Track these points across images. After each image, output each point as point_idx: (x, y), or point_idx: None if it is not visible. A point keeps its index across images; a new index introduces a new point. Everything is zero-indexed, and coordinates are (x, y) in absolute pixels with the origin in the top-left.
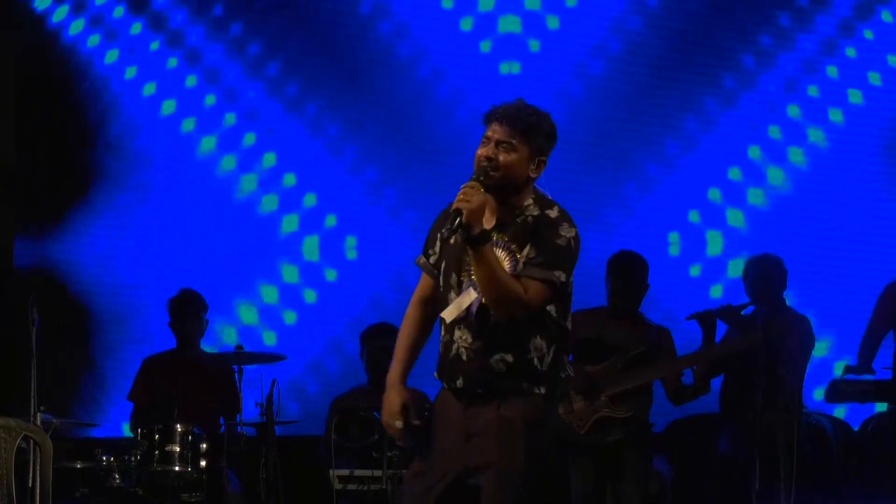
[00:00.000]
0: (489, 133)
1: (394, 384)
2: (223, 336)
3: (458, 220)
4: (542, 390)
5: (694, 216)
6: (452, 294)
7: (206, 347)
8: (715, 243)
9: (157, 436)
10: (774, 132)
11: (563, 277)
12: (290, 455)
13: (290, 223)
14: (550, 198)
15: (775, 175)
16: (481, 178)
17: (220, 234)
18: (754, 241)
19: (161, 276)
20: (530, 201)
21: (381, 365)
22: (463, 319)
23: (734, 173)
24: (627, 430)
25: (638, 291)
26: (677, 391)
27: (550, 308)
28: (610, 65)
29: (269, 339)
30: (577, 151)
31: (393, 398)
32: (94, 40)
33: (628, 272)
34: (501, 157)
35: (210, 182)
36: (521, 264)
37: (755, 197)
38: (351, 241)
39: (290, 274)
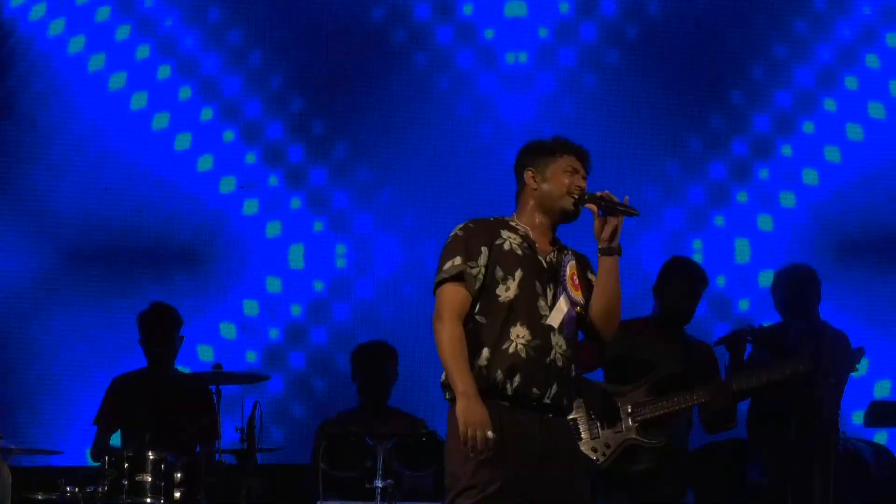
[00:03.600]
0: (577, 165)
1: (475, 394)
2: (199, 354)
3: (614, 211)
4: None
5: (719, 221)
6: (541, 302)
7: (181, 366)
8: (743, 251)
9: (126, 464)
10: (808, 128)
11: None
12: (273, 485)
13: (273, 229)
14: None
15: (809, 176)
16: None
17: (196, 241)
18: (786, 248)
19: (131, 288)
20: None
21: (375, 388)
22: (562, 328)
23: (763, 174)
24: (659, 460)
25: (696, 304)
26: (711, 419)
27: None
28: (626, 54)
29: (251, 356)
30: (591, 150)
31: (480, 408)
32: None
33: (696, 280)
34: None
35: (186, 183)
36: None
37: (787, 200)
38: (340, 249)
39: (273, 285)
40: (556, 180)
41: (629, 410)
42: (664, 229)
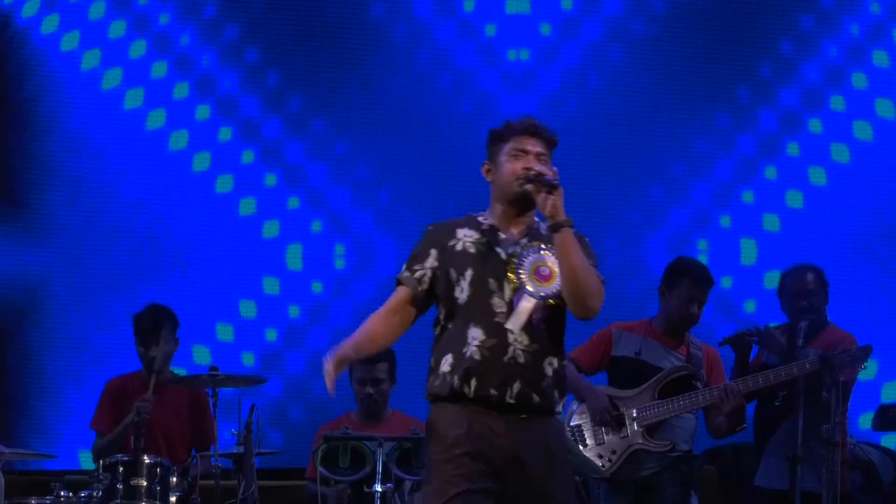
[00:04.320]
0: (528, 147)
1: (340, 347)
2: (195, 356)
3: (551, 185)
4: (560, 408)
5: (725, 221)
6: (496, 299)
7: (177, 369)
8: (749, 251)
9: (121, 468)
10: (815, 126)
11: None
12: (271, 490)
13: (271, 229)
14: None
15: (816, 175)
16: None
17: (192, 241)
18: (792, 249)
19: (126, 289)
20: (535, 219)
21: (373, 391)
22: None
23: (770, 173)
24: (664, 462)
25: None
26: (720, 422)
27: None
28: (631, 51)
29: (248, 359)
30: (595, 149)
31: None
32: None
33: (704, 282)
34: (544, 169)
35: (181, 182)
36: None
37: (794, 200)
38: (339, 249)
39: (270, 286)
40: (504, 168)
41: (634, 415)
42: (669, 229)
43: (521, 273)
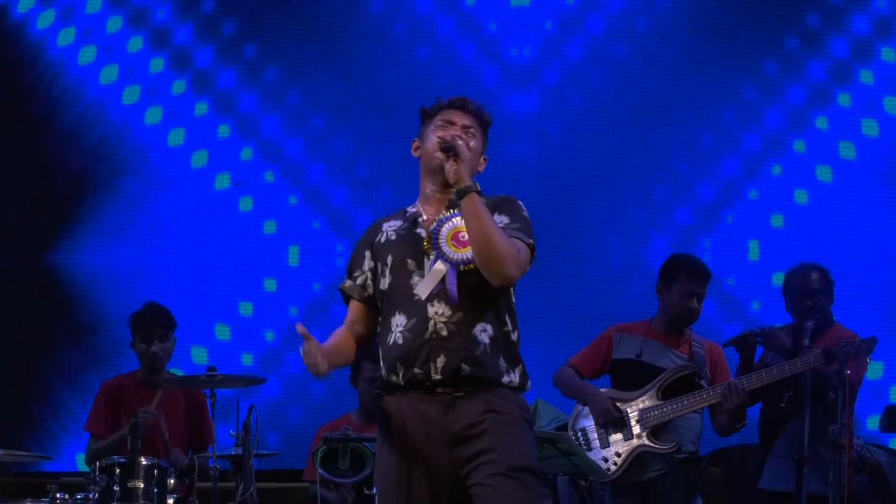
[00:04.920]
0: (453, 118)
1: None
2: (193, 356)
3: (451, 148)
4: (517, 378)
5: (730, 219)
6: (415, 278)
7: (174, 369)
8: (754, 250)
9: (118, 470)
10: (822, 123)
11: (534, 247)
12: (269, 492)
13: (269, 227)
14: None
15: (823, 173)
16: (452, 152)
17: (189, 239)
18: (798, 248)
19: (122, 288)
20: None
21: (371, 392)
22: (436, 295)
23: (777, 170)
24: (670, 464)
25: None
26: (723, 420)
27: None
28: (635, 46)
29: (247, 359)
30: (597, 146)
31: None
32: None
33: (701, 277)
34: (470, 142)
35: (178, 179)
36: None
37: (800, 197)
38: (339, 248)
39: (269, 285)
40: (428, 140)
41: (638, 417)
42: (673, 228)
43: (437, 241)
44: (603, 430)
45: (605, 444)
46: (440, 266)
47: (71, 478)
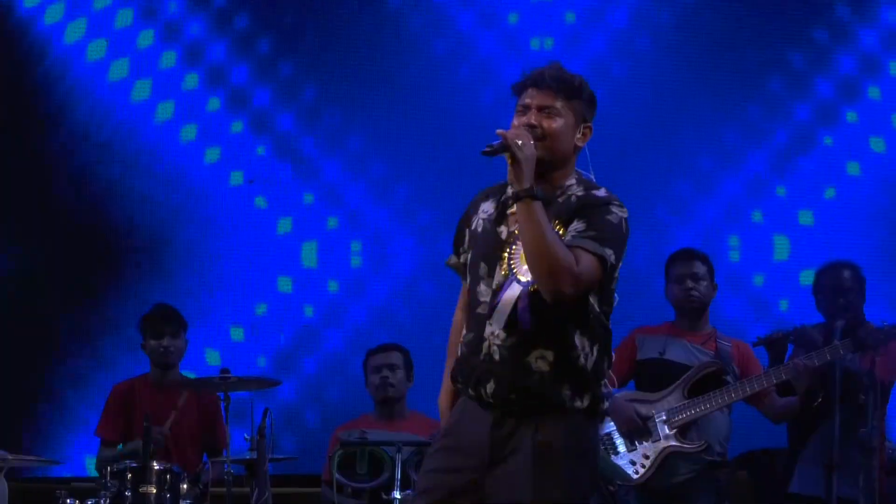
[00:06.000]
0: (526, 100)
1: (446, 382)
2: (206, 358)
3: (500, 144)
4: (586, 403)
5: (757, 216)
6: (482, 287)
7: (186, 372)
8: (782, 248)
9: (129, 475)
10: (852, 117)
11: (613, 258)
12: (285, 497)
13: (284, 226)
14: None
15: (853, 168)
16: (508, 152)
17: (201, 239)
18: (828, 245)
19: (132, 289)
20: (573, 181)
21: (388, 394)
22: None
23: (804, 165)
24: (699, 466)
25: (704, 288)
26: (773, 406)
27: (593, 300)
28: (658, 40)
29: (261, 361)
30: (620, 142)
31: (442, 397)
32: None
33: (686, 260)
34: (546, 124)
35: (190, 177)
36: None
37: (829, 193)
38: (355, 247)
39: (284, 285)
40: (511, 126)
41: (664, 417)
42: (698, 225)
43: (512, 255)
44: (629, 435)
45: (632, 448)
46: (512, 293)
47: (81, 483)
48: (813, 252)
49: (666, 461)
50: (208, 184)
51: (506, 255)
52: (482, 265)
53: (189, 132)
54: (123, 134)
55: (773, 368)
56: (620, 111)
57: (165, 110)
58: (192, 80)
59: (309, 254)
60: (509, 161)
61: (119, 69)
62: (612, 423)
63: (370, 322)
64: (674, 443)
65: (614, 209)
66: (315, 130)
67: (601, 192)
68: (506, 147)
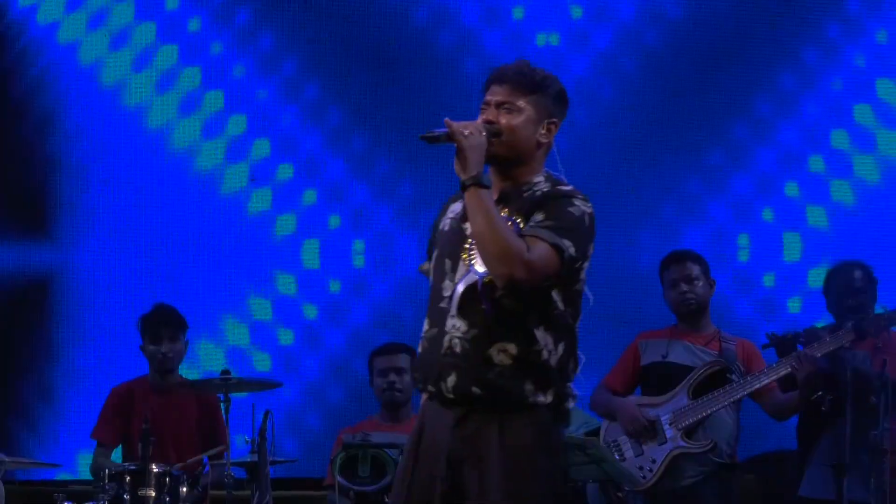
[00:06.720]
0: (488, 97)
1: None
2: (206, 360)
3: (441, 133)
4: (549, 399)
5: (767, 214)
6: (447, 282)
7: (186, 373)
8: (793, 247)
9: (128, 478)
10: (864, 114)
11: (572, 250)
12: (286, 501)
13: (285, 224)
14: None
15: (864, 166)
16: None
17: (202, 237)
18: (839, 244)
19: (131, 288)
20: (541, 178)
21: (394, 385)
22: (457, 308)
23: (816, 164)
24: (707, 468)
25: (700, 289)
26: (776, 404)
27: (556, 297)
28: (666, 34)
29: (262, 362)
30: (628, 138)
31: None
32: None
33: (672, 263)
34: (504, 120)
35: (189, 175)
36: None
37: (840, 192)
38: (358, 246)
39: (285, 285)
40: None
41: (670, 419)
42: (707, 224)
43: (473, 248)
44: (635, 439)
45: (639, 452)
46: (467, 284)
47: (79, 486)
48: (824, 251)
49: (673, 464)
50: (208, 182)
51: (467, 247)
52: (447, 261)
53: (187, 129)
54: (121, 132)
55: (776, 363)
56: (628, 107)
57: (165, 109)
58: (191, 78)
59: (310, 253)
60: (457, 150)
61: (118, 66)
62: (618, 429)
63: (372, 322)
64: (681, 444)
65: (577, 202)
66: (317, 128)
67: (566, 188)
68: (449, 136)
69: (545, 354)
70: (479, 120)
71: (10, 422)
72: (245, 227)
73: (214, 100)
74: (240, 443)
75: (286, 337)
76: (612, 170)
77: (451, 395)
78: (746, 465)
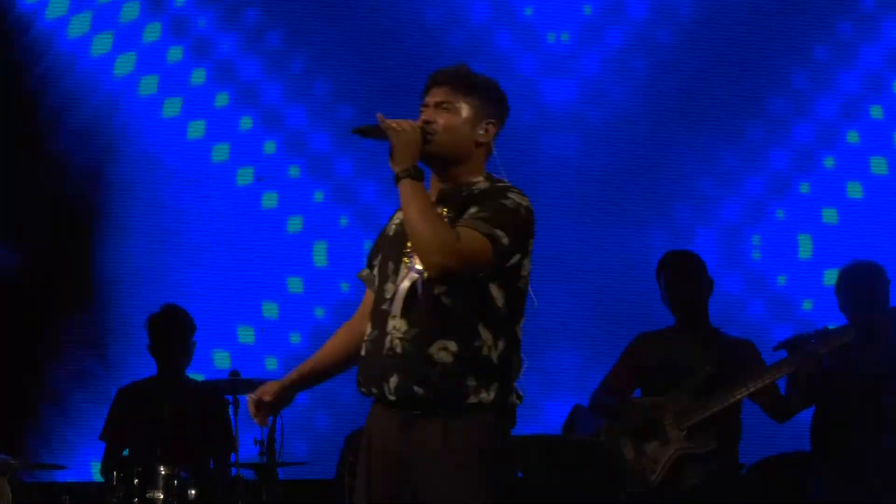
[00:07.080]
0: (427, 99)
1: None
2: (215, 360)
3: (372, 127)
4: (492, 396)
5: (780, 214)
6: (389, 284)
7: (194, 374)
8: (806, 246)
9: (136, 480)
10: (876, 112)
11: (505, 240)
12: (295, 503)
13: (294, 224)
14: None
15: (878, 166)
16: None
17: (209, 238)
18: (852, 244)
19: (139, 289)
20: (480, 178)
21: None
22: (400, 309)
23: (829, 163)
24: (710, 469)
25: (698, 291)
26: (776, 404)
27: (495, 294)
28: (678, 33)
29: (271, 363)
30: (640, 137)
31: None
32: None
33: (672, 266)
34: (440, 119)
35: (198, 175)
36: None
37: (854, 191)
38: (367, 246)
39: (294, 285)
40: None
41: (672, 420)
42: (719, 224)
43: (410, 247)
44: (637, 439)
45: (641, 453)
46: (407, 282)
47: (86, 487)
48: (837, 251)
49: (676, 465)
50: (216, 182)
51: (408, 250)
52: (390, 265)
53: (196, 129)
54: (130, 131)
55: (778, 362)
56: (640, 106)
57: (172, 107)
58: (199, 76)
59: (319, 253)
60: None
61: (124, 65)
62: (618, 430)
63: None
64: (683, 444)
65: (512, 195)
66: (326, 126)
67: (504, 184)
68: (381, 130)
69: (486, 350)
70: (419, 120)
71: (17, 424)
72: (253, 227)
73: (221, 99)
74: (249, 445)
75: (295, 338)
76: (623, 168)
77: (394, 397)
78: (753, 468)
